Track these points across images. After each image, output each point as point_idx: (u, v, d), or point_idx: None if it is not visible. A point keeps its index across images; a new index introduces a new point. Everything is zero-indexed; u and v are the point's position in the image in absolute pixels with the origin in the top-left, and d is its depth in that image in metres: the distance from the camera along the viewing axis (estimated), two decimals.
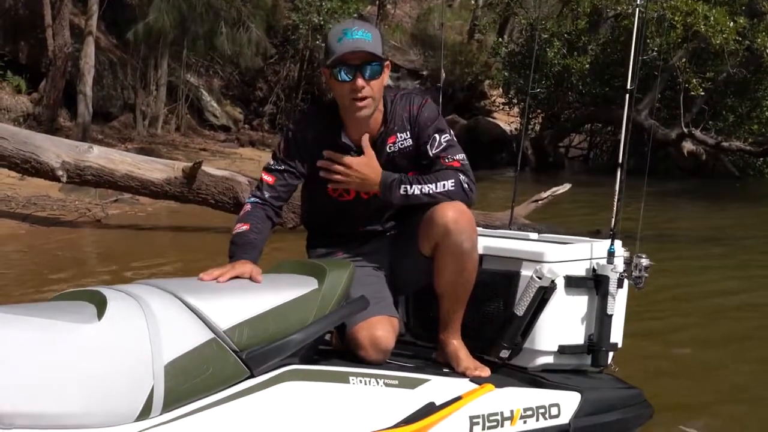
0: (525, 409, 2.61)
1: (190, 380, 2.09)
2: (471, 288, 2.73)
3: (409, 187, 2.65)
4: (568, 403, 2.69)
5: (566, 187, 9.21)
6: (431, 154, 2.74)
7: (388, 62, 2.72)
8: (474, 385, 2.60)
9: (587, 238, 3.03)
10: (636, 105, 19.88)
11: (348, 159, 2.69)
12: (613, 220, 2.97)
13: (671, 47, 16.88)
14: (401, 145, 2.78)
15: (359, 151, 2.76)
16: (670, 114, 18.30)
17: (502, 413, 2.56)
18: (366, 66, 2.62)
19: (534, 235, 3.12)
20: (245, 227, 2.67)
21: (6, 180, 10.00)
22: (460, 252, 2.64)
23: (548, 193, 9.08)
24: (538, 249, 2.84)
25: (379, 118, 2.77)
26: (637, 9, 3.36)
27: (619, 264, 2.84)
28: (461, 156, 2.75)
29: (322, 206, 2.90)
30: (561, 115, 20.94)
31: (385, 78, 2.72)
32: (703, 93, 16.93)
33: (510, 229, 3.44)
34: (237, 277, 2.42)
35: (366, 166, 2.68)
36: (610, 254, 2.83)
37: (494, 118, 24.42)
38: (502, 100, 24.06)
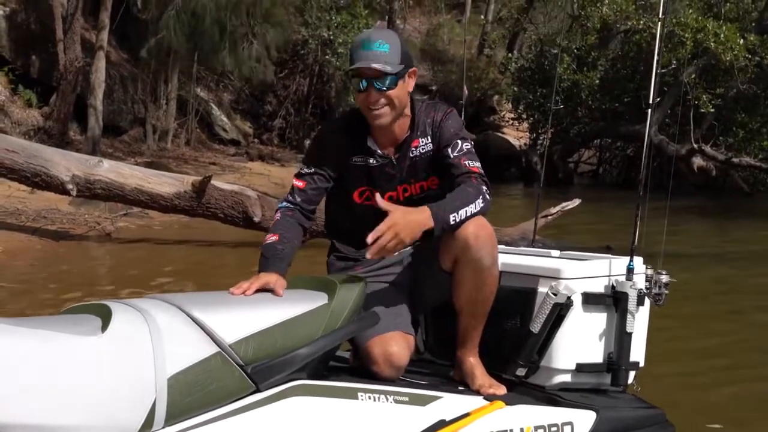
0: (536, 428, 2.55)
1: (194, 394, 2.08)
2: (490, 304, 2.69)
3: (456, 215, 2.57)
4: (582, 422, 2.63)
5: (576, 202, 9.19)
6: (452, 156, 2.75)
7: (413, 69, 2.76)
8: (485, 403, 2.56)
9: (608, 255, 2.98)
10: (645, 121, 19.86)
11: (382, 225, 2.50)
12: (635, 236, 2.90)
13: (681, 63, 16.88)
14: (422, 150, 2.80)
15: (383, 156, 2.79)
16: (680, 130, 18.26)
17: (511, 431, 2.51)
18: (377, 80, 2.66)
19: (556, 252, 3.08)
20: (274, 238, 2.69)
21: (16, 193, 10.03)
22: (479, 267, 2.61)
23: (558, 208, 9.07)
24: (554, 265, 2.79)
25: (406, 124, 2.81)
26: (659, 23, 3.31)
27: (639, 281, 2.79)
28: (479, 164, 2.76)
29: (348, 212, 2.91)
30: (570, 130, 20.92)
31: (410, 85, 2.76)
32: (713, 109, 16.91)
33: (533, 245, 3.40)
34: (263, 289, 2.43)
35: (400, 217, 2.53)
36: (629, 271, 2.78)
37: (503, 133, 24.44)
38: (512, 116, 24.06)
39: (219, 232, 9.31)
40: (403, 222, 2.50)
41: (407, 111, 2.80)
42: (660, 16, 3.35)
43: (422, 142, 2.80)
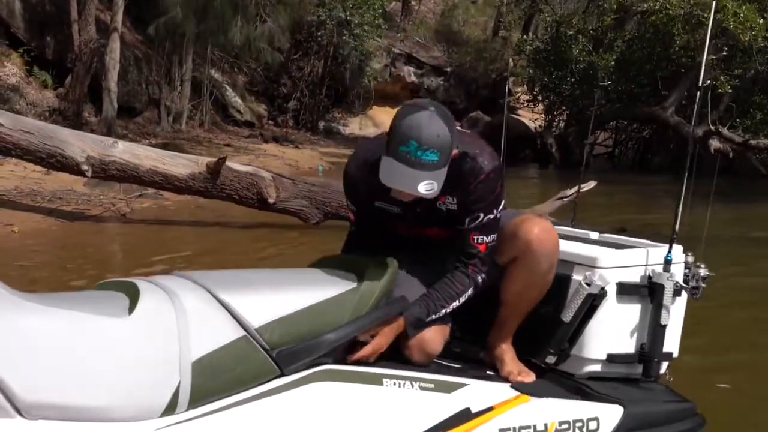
0: (561, 423, 2.51)
1: (218, 377, 2.08)
2: (535, 303, 2.66)
3: (434, 316, 2.57)
4: (608, 416, 2.58)
5: (591, 184, 9.13)
6: (465, 226, 2.61)
7: (455, 151, 2.45)
8: (511, 394, 2.53)
9: (647, 242, 2.89)
10: (662, 102, 19.64)
11: (371, 347, 2.47)
12: (675, 225, 2.80)
13: (699, 44, 16.72)
14: (449, 207, 2.65)
15: (407, 206, 2.65)
16: (697, 112, 18.08)
17: (535, 426, 2.47)
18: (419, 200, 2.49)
19: (595, 235, 3.03)
20: None
21: (32, 174, 10.07)
22: (535, 271, 2.59)
23: (573, 190, 9.01)
24: (591, 253, 2.72)
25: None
26: (714, 2, 3.22)
27: (677, 272, 2.72)
28: (491, 238, 2.62)
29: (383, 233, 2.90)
30: (586, 112, 20.81)
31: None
32: (730, 90, 16.77)
33: (572, 226, 3.33)
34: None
35: (383, 333, 2.50)
36: (667, 262, 2.70)
37: (518, 115, 24.33)
38: (527, 97, 23.95)
39: (233, 214, 9.32)
40: (384, 340, 2.48)
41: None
42: None
43: (449, 200, 2.63)
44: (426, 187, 2.34)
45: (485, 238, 2.62)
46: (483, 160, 2.55)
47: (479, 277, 2.62)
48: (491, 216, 2.60)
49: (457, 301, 2.60)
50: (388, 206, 2.71)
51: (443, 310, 2.59)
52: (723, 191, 15.22)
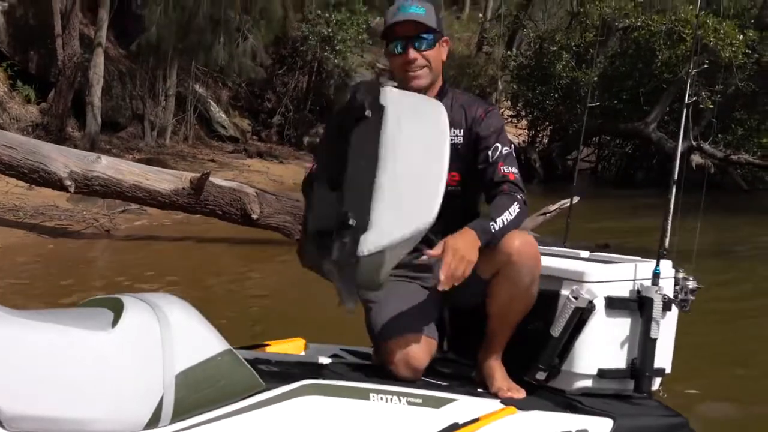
0: None
1: (201, 391, 2.07)
2: (521, 317, 2.65)
3: (495, 224, 2.54)
4: (597, 429, 2.55)
5: (575, 199, 9.17)
6: (490, 159, 2.72)
7: (446, 38, 2.78)
8: (499, 407, 2.49)
9: (636, 258, 2.89)
10: (644, 118, 19.74)
11: (440, 249, 2.44)
12: (662, 240, 2.82)
13: (680, 60, 16.87)
14: (452, 141, 2.62)
15: None
16: (678, 127, 18.20)
17: None
18: (416, 37, 2.67)
19: (585, 253, 3.03)
20: None
21: (14, 190, 10.02)
22: (518, 284, 2.58)
23: (557, 205, 9.06)
24: (578, 268, 2.73)
25: (433, 96, 2.76)
26: (695, 17, 3.26)
27: (666, 286, 2.72)
28: (516, 170, 2.73)
29: None
30: (569, 127, 20.88)
31: (443, 53, 2.77)
32: (712, 106, 16.92)
33: (564, 246, 3.34)
34: None
35: (454, 240, 2.46)
36: (656, 275, 2.70)
37: None
38: (510, 113, 24.03)
39: (217, 230, 9.30)
40: (461, 243, 2.43)
41: (437, 84, 2.79)
42: (697, 11, 3.30)
43: (453, 132, 2.69)
44: (419, 18, 2.66)
45: (511, 168, 2.71)
46: (483, 99, 2.89)
47: (519, 195, 2.64)
48: (508, 149, 2.74)
49: (507, 214, 2.56)
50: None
51: (498, 220, 2.54)
52: (706, 206, 15.35)
